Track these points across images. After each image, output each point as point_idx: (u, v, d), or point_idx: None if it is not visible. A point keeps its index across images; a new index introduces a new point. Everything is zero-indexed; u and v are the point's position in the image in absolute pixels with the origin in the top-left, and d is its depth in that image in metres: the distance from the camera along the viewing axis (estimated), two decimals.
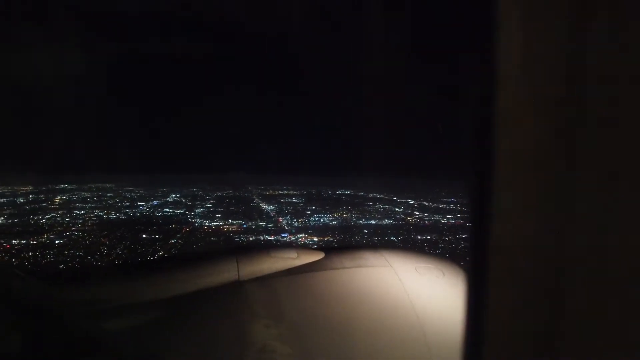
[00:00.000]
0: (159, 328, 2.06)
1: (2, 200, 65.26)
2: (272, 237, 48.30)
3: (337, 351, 2.11)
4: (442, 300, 2.46)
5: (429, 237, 51.87)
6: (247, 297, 2.28)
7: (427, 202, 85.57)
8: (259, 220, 58.45)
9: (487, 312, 0.96)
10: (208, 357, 2.02)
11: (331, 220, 61.97)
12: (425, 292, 2.48)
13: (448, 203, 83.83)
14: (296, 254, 2.64)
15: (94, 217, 55.33)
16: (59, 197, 70.76)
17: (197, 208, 69.05)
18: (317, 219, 63.01)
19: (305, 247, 2.82)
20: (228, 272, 2.40)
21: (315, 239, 48.74)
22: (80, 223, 50.43)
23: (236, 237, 47.84)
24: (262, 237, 48.08)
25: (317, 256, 2.68)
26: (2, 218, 51.01)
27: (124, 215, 58.26)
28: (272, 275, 2.44)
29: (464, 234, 53.27)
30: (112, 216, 57.23)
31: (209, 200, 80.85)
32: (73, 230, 44.85)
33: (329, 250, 2.81)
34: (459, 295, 2.41)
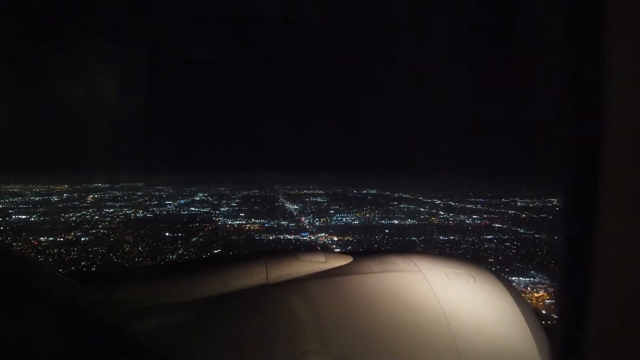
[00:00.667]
0: (189, 329, 2.09)
1: (37, 198, 68.52)
2: (292, 236, 48.46)
3: (365, 356, 2.10)
4: (473, 306, 2.41)
5: (452, 237, 50.67)
6: (275, 301, 2.29)
7: (453, 202, 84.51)
8: (280, 219, 58.67)
9: (592, 312, 0.94)
10: (236, 359, 2.03)
11: (353, 220, 61.58)
12: (456, 298, 2.43)
13: (475, 203, 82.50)
14: (324, 258, 2.64)
15: (122, 215, 57.18)
16: (91, 196, 73.55)
17: (222, 207, 70.22)
18: (339, 218, 62.82)
19: (334, 251, 2.81)
20: (257, 275, 2.41)
21: (335, 238, 48.53)
22: (107, 221, 52.20)
23: (257, 236, 48.25)
24: (282, 236, 48.29)
25: (346, 260, 2.67)
26: (35, 216, 53.37)
27: (150, 214, 59.93)
28: (300, 278, 2.46)
29: (488, 235, 52.20)
30: (140, 214, 58.93)
31: (234, 199, 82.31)
32: (100, 228, 46.53)
33: (357, 254, 2.79)
34: (490, 301, 2.46)
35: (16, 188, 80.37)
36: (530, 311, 2.44)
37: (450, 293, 2.45)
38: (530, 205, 78.52)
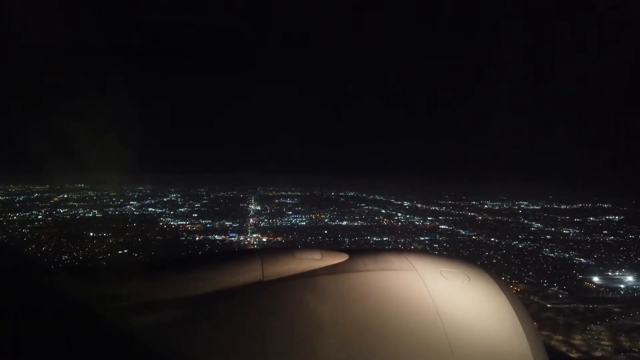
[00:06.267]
0: (185, 325, 2.09)
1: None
2: (220, 237, 49.26)
3: (359, 353, 2.11)
4: (467, 305, 2.42)
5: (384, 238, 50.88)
6: (271, 297, 2.29)
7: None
8: (226, 220, 59.48)
9: None
10: (231, 356, 2.03)
11: (302, 221, 62.05)
12: (450, 297, 2.43)
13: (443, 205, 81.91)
14: (320, 256, 2.64)
15: (66, 215, 58.95)
16: (59, 196, 75.47)
17: (182, 207, 71.28)
18: (289, 219, 63.41)
19: (330, 249, 2.82)
20: (253, 271, 2.42)
21: (265, 239, 49.10)
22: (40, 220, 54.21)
23: (187, 236, 49.22)
24: (210, 237, 49.18)
25: (341, 258, 2.66)
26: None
27: (99, 214, 61.44)
28: (296, 275, 2.46)
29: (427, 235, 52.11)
30: (85, 214, 60.51)
31: (204, 200, 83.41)
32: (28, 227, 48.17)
33: (353, 252, 2.78)
34: (485, 301, 2.47)
35: None
36: (525, 311, 2.48)
37: (444, 292, 2.45)
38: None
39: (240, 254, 2.74)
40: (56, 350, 1.12)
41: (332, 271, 2.53)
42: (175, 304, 2.17)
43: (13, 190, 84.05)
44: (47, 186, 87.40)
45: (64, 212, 61.43)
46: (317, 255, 2.64)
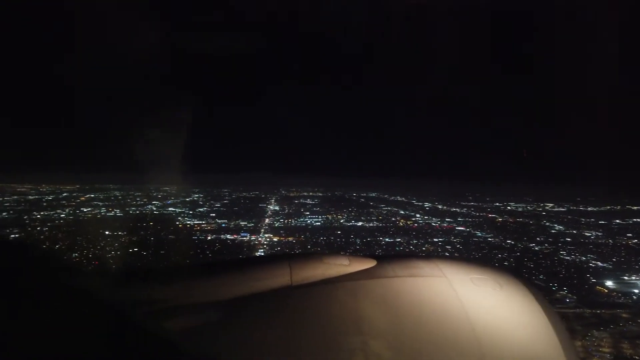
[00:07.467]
0: (213, 330, 2.11)
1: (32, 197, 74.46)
2: (232, 236, 49.99)
3: None
4: (498, 312, 2.37)
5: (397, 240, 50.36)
6: (299, 302, 2.29)
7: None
8: (241, 220, 60.36)
9: None
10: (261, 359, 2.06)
11: (316, 221, 62.24)
12: (481, 304, 2.39)
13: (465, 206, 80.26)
14: (348, 261, 2.64)
15: (88, 215, 61.35)
16: (85, 196, 78.55)
17: (201, 207, 72.80)
18: (305, 220, 63.69)
19: (357, 255, 2.82)
20: (281, 277, 2.43)
21: (276, 239, 49.48)
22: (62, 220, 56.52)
23: (199, 236, 50.19)
24: (221, 236, 50.00)
25: (369, 264, 2.66)
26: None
27: (120, 214, 63.52)
28: (324, 281, 2.46)
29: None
30: (108, 214, 62.71)
31: (225, 200, 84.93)
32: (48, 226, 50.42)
33: (381, 258, 2.77)
34: (517, 308, 2.42)
35: (24, 188, 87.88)
36: (559, 319, 2.43)
37: (476, 299, 2.41)
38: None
39: (269, 259, 2.78)
40: (92, 353, 1.12)
41: (361, 277, 2.52)
42: (204, 308, 2.21)
43: (44, 189, 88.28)
44: (77, 186, 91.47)
45: (86, 211, 63.74)
46: (345, 261, 2.64)
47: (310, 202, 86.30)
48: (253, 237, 50.05)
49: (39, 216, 56.08)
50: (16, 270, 1.39)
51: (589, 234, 54.55)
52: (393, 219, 66.63)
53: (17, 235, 40.71)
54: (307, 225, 60.38)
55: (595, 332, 26.00)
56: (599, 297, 32.69)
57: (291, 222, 62.26)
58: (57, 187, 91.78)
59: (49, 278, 1.47)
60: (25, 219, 53.65)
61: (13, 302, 1.18)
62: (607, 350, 24.09)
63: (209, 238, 49.01)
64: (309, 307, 2.27)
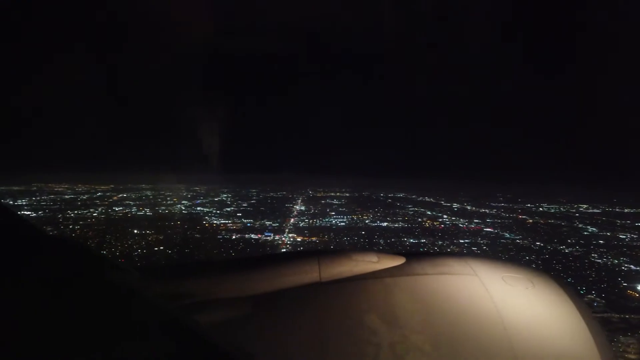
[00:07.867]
0: (243, 324, 2.13)
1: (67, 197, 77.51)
2: (257, 236, 50.42)
3: (419, 358, 2.07)
4: (531, 312, 2.32)
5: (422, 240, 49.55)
6: (329, 299, 2.30)
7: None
8: (267, 219, 60.84)
9: None
10: (288, 355, 2.05)
11: (341, 222, 62.04)
12: (514, 303, 2.35)
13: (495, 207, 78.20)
14: (377, 258, 2.63)
15: (119, 214, 63.31)
16: (118, 195, 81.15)
17: (228, 207, 73.80)
18: (330, 220, 63.59)
19: (386, 252, 2.80)
20: (310, 273, 2.45)
21: (299, 238, 49.60)
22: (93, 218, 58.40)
23: (224, 235, 50.88)
24: (246, 235, 50.52)
25: (398, 261, 2.65)
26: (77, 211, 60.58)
27: (149, 213, 65.23)
28: (353, 277, 2.46)
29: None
30: (136, 213, 64.55)
31: (252, 200, 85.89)
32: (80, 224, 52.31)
33: (410, 255, 2.76)
34: (550, 307, 2.37)
35: (61, 187, 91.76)
36: (594, 319, 2.37)
37: (507, 298, 2.37)
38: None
39: (298, 255, 2.75)
40: (131, 346, 1.15)
41: (389, 274, 2.51)
42: (235, 303, 2.25)
43: (80, 189, 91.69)
44: (111, 186, 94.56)
45: (118, 210, 65.74)
46: (373, 258, 2.63)
47: (337, 203, 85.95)
48: (277, 237, 50.25)
49: (72, 215, 57.96)
50: (75, 271, 1.43)
51: (624, 236, 52.20)
52: (419, 219, 65.52)
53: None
54: (331, 225, 60.02)
55: (622, 338, 24.74)
56: (629, 301, 31.09)
57: (315, 222, 62.12)
58: (92, 187, 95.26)
59: (106, 277, 1.53)
60: (59, 217, 55.48)
61: (74, 300, 1.24)
62: (633, 356, 22.88)
63: (233, 237, 49.47)
64: (337, 303, 2.28)
